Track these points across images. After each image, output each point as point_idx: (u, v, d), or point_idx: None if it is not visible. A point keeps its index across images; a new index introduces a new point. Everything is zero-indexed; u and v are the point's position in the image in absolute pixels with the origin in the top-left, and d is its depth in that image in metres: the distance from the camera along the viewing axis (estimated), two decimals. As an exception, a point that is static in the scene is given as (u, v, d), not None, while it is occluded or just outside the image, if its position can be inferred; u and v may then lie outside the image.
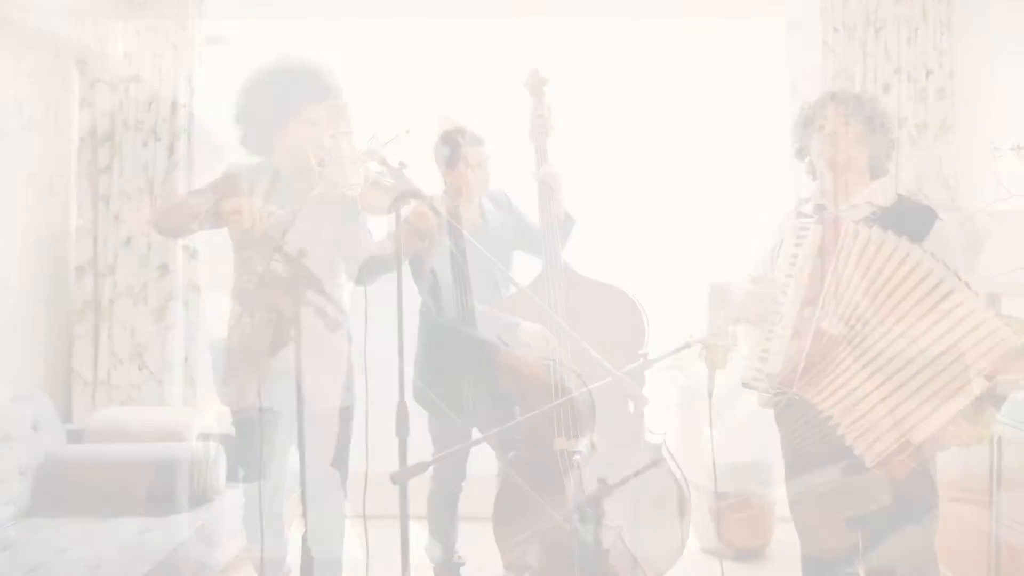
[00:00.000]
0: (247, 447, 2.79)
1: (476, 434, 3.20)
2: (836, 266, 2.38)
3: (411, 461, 2.16)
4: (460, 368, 3.11)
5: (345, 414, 2.88)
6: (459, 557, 3.60)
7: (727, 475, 4.12)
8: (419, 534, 3.37)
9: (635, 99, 4.73)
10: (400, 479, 2.00)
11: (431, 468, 3.18)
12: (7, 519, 3.25)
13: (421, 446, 3.07)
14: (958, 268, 2.31)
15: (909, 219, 2.46)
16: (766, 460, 4.10)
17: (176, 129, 4.48)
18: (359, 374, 4.79)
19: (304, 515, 2.46)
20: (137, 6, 4.45)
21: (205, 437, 3.67)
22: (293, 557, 2.77)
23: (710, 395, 2.47)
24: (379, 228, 2.88)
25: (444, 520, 3.53)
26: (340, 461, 2.88)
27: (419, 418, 2.96)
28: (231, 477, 3.60)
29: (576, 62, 4.56)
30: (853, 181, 2.57)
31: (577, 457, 2.69)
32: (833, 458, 2.44)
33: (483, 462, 3.43)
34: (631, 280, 3.50)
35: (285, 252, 2.37)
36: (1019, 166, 3.29)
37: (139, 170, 4.48)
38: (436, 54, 4.74)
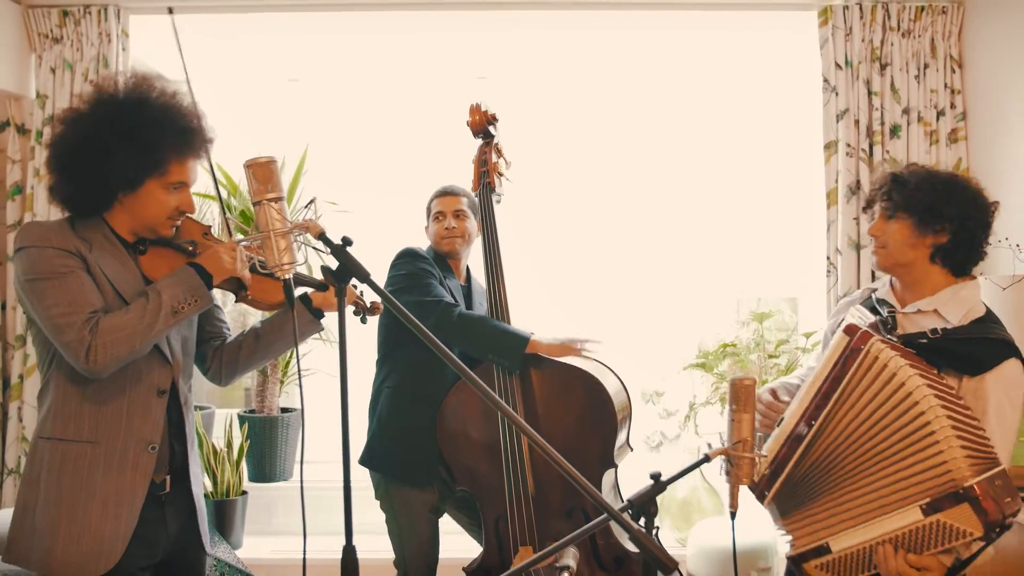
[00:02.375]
0: None
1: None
2: (844, 388, 2.12)
3: None
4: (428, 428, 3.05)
5: None
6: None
7: (724, 560, 3.89)
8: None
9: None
10: None
11: None
12: None
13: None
14: (989, 414, 2.10)
15: (977, 347, 2.15)
16: (770, 542, 3.86)
17: (97, 179, 4.04)
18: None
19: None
20: (52, 40, 4.11)
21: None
22: None
23: (733, 517, 2.05)
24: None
25: None
26: None
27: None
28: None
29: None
30: (924, 281, 2.27)
31: (566, 574, 2.25)
32: None
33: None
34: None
35: None
36: None
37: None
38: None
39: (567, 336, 3.00)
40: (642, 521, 1.79)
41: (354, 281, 1.78)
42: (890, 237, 2.24)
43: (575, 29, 4.60)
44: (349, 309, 2.10)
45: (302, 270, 2.17)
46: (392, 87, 5.04)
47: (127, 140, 2.07)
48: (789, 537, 2.20)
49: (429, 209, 3.25)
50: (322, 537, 3.35)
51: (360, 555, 1.88)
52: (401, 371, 3.11)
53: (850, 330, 2.11)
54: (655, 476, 1.83)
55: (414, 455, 3.04)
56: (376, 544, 3.12)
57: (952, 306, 2.18)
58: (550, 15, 4.40)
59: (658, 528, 3.19)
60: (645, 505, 1.78)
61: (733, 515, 2.08)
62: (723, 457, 1.99)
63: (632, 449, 3.12)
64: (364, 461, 3.09)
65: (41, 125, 4.09)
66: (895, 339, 2.13)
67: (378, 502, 3.08)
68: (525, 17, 4.48)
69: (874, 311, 2.27)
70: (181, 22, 4.33)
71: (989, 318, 2.19)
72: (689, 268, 4.93)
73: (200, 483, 2.33)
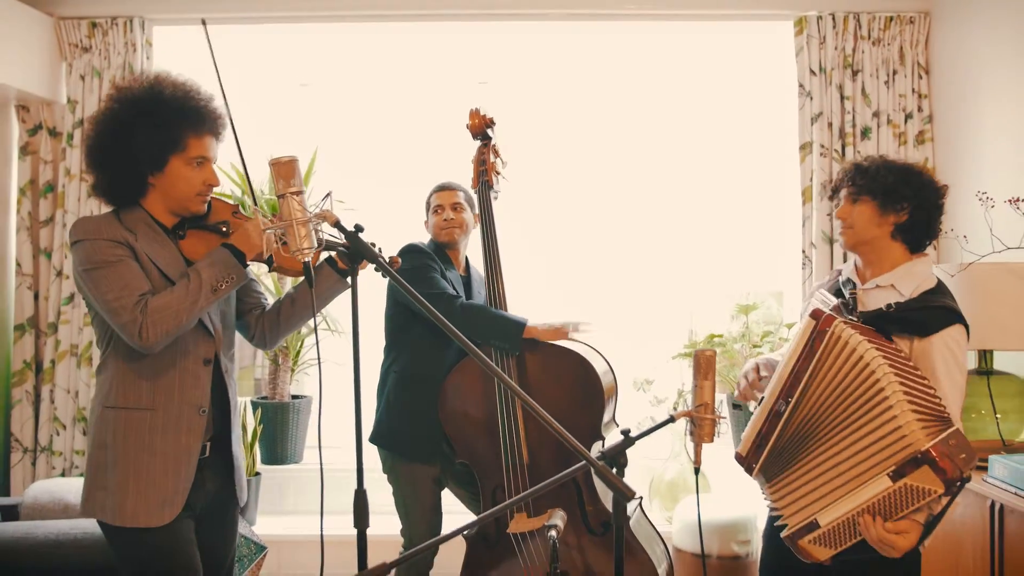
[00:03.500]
0: None
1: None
2: (815, 365, 2.29)
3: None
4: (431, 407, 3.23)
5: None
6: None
7: (710, 532, 4.03)
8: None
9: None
10: None
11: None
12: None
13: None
14: (939, 374, 2.27)
15: (925, 314, 2.34)
16: (750, 516, 4.00)
17: (123, 178, 4.26)
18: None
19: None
20: (81, 49, 4.31)
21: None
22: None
23: (696, 472, 2.30)
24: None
25: None
26: None
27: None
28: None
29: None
30: (886, 257, 2.46)
31: (553, 533, 2.48)
32: None
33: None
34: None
35: None
36: (1015, 218, 3.18)
37: None
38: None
39: (560, 321, 3.18)
40: (614, 470, 2.04)
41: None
42: (856, 218, 2.43)
43: (568, 35, 4.77)
44: (370, 268, 2.31)
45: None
46: (397, 92, 5.17)
47: (146, 121, 2.28)
48: (776, 510, 2.36)
49: (428, 203, 3.41)
50: (333, 516, 3.55)
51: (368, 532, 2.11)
52: (406, 356, 3.30)
53: (816, 314, 2.29)
54: (625, 432, 2.08)
55: (418, 432, 3.22)
56: (384, 523, 3.26)
57: (906, 280, 2.37)
58: (545, 25, 4.56)
59: (641, 498, 3.44)
60: (616, 456, 2.03)
61: (697, 471, 2.32)
62: (688, 419, 2.25)
63: (618, 425, 3.30)
64: (373, 439, 3.28)
65: (71, 128, 4.28)
66: (856, 318, 2.34)
67: (385, 476, 3.27)
68: (522, 27, 4.64)
69: (838, 294, 2.48)
70: (195, 33, 4.57)
71: (939, 289, 2.38)
72: (679, 262, 5.05)
73: (240, 442, 2.53)
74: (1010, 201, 3.12)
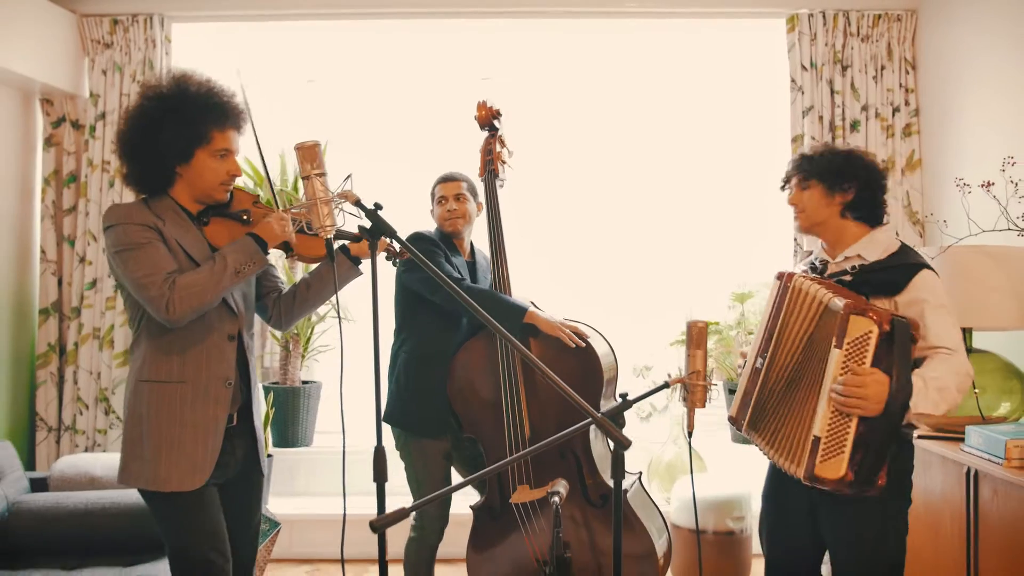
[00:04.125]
0: None
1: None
2: (782, 319, 2.51)
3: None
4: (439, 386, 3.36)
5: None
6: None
7: (705, 509, 4.21)
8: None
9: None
10: (379, 526, 1.95)
11: (412, 514, 3.33)
12: (-32, 573, 3.16)
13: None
14: (928, 320, 2.44)
15: (892, 272, 2.51)
16: (744, 493, 4.16)
17: (144, 169, 4.41)
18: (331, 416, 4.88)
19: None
20: (103, 45, 4.46)
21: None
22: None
23: (689, 435, 2.46)
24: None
25: (423, 571, 3.51)
26: None
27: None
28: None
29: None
30: (844, 235, 2.62)
31: (556, 499, 2.64)
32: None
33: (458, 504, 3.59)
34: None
35: None
36: (987, 202, 3.34)
37: (105, 210, 4.37)
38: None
39: (561, 320, 3.30)
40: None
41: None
42: (807, 202, 2.61)
43: (569, 32, 4.91)
44: (381, 256, 2.47)
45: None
46: (402, 87, 5.30)
47: (173, 116, 2.44)
48: (776, 458, 2.51)
49: (433, 194, 3.54)
50: (349, 497, 3.67)
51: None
52: (415, 337, 3.44)
53: (780, 275, 2.54)
54: (623, 395, 2.25)
55: (428, 409, 3.36)
56: (395, 505, 3.39)
57: (870, 248, 2.55)
58: (546, 23, 4.72)
59: (640, 474, 3.58)
60: (614, 416, 2.19)
61: (690, 434, 2.48)
62: (681, 385, 2.41)
63: (630, 444, 3.43)
64: (385, 418, 3.40)
65: (93, 121, 4.44)
66: (821, 277, 2.54)
67: (398, 453, 3.39)
68: (523, 25, 4.79)
69: (812, 266, 2.66)
70: (211, 30, 4.73)
71: (902, 251, 2.55)
72: (677, 252, 5.19)
73: (261, 416, 2.71)
74: (983, 185, 3.28)
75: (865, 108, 4.38)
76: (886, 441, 2.33)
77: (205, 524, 2.52)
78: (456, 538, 3.65)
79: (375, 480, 2.22)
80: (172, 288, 2.37)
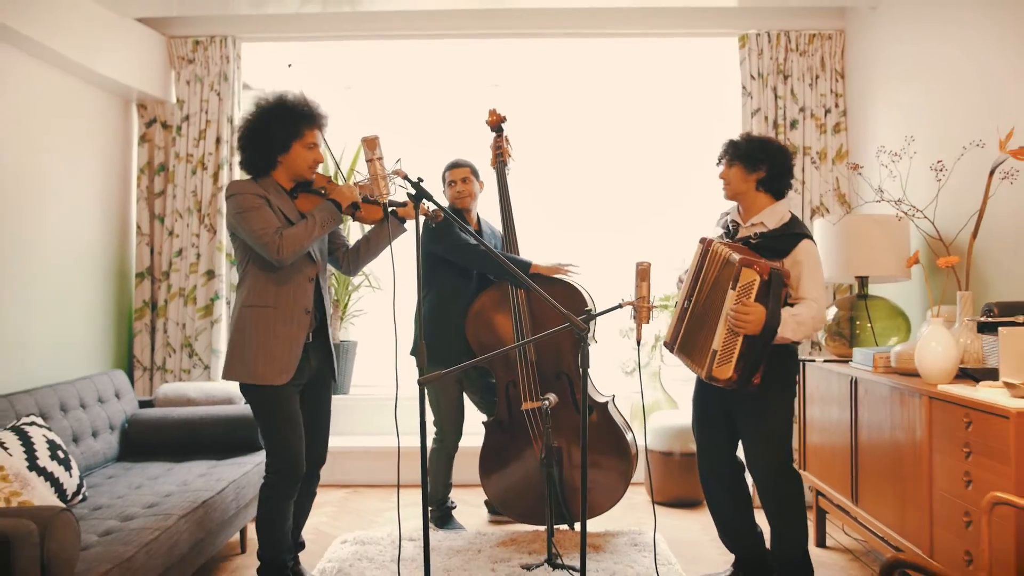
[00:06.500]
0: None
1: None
2: (703, 273, 3.25)
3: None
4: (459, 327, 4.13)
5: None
6: (452, 502, 4.52)
7: (673, 436, 4.96)
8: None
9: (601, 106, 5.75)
10: (424, 382, 2.84)
11: (436, 426, 4.31)
12: (108, 460, 4.06)
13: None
14: (803, 278, 3.19)
15: (783, 240, 3.24)
16: None
17: (219, 160, 5.20)
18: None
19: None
20: (187, 61, 5.23)
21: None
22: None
23: (638, 343, 3.29)
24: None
25: (443, 474, 4.36)
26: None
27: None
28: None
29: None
30: (755, 204, 3.34)
31: (546, 403, 3.54)
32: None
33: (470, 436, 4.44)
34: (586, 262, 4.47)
35: None
36: (887, 177, 4.13)
37: (189, 194, 5.22)
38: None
39: (556, 262, 4.18)
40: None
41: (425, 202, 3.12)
42: (731, 178, 3.34)
43: (564, 49, 5.51)
44: (423, 219, 3.24)
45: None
46: (424, 93, 5.88)
47: (277, 120, 3.26)
48: (693, 368, 3.23)
49: (444, 178, 4.34)
50: (377, 436, 4.61)
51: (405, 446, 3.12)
52: (435, 291, 4.25)
53: (702, 240, 3.33)
54: (588, 310, 3.18)
55: (445, 343, 4.16)
56: (415, 440, 3.95)
57: (770, 217, 3.30)
58: (545, 41, 5.33)
59: (613, 396, 4.37)
60: (583, 327, 3.13)
61: (639, 342, 3.33)
62: (631, 307, 3.31)
63: (596, 341, 4.19)
64: (412, 352, 4.23)
65: (179, 122, 5.18)
66: (731, 241, 3.32)
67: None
68: (525, 44, 5.38)
69: (726, 228, 3.45)
70: (272, 48, 5.42)
71: (792, 222, 3.27)
72: (655, 231, 5.83)
73: (332, 337, 3.43)
74: (851, 167, 4.20)
75: (803, 110, 5.08)
76: (761, 353, 3.07)
77: (285, 410, 3.27)
78: (468, 465, 4.46)
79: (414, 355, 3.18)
80: (282, 237, 3.14)
